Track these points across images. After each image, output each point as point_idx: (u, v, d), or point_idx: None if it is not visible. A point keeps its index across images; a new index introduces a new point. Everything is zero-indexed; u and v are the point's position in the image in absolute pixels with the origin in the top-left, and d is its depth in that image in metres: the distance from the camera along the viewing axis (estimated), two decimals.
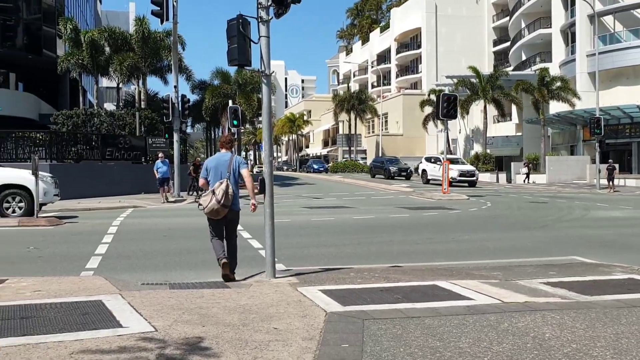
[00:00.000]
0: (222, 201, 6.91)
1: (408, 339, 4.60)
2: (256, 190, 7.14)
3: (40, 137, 24.16)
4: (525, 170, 40.78)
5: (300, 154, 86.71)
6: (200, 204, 7.12)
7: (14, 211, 15.28)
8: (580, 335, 4.73)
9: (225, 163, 7.15)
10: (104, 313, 5.27)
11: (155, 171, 21.61)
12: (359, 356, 4.13)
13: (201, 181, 7.44)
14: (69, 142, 25.12)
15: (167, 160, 22.28)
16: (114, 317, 5.11)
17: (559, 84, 42.30)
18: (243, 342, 4.44)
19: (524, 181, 40.07)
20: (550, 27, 48.31)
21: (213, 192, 6.97)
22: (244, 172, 7.22)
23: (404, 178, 40.68)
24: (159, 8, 22.09)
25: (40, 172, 14.98)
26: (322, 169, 61.35)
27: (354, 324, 4.97)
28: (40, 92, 40.63)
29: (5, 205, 15.27)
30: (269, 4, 7.13)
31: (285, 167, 75.84)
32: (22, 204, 15.34)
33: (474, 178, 34.55)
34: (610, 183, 30.25)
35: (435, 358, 4.13)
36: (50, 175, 16.63)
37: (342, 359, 4.08)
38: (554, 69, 45.26)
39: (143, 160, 27.87)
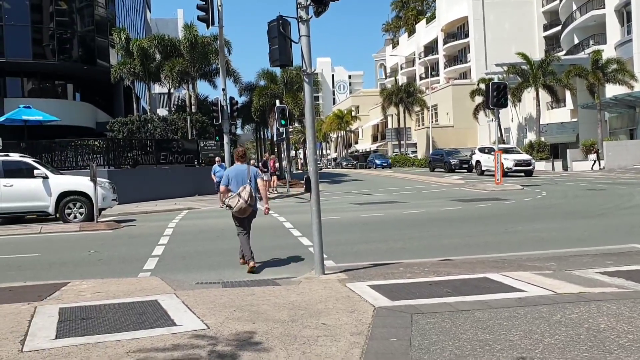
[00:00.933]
0: (248, 201, 8.28)
1: (457, 332, 4.57)
2: (303, 190, 7.44)
3: (98, 144, 25.07)
4: (594, 156, 39.24)
5: (349, 150, 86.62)
6: (229, 206, 8.40)
7: (75, 217, 15.94)
8: (638, 325, 4.60)
9: (244, 172, 8.52)
10: (159, 312, 5.45)
11: (212, 175, 21.19)
12: (407, 350, 4.14)
13: (222, 188, 8.65)
14: (125, 148, 25.96)
15: (224, 164, 22.13)
16: (169, 316, 5.28)
17: (614, 66, 40.71)
18: (292, 338, 4.52)
19: (592, 167, 38.51)
20: (604, 7, 46.50)
21: (239, 195, 8.30)
22: (259, 181, 8.62)
23: (465, 170, 38.71)
24: (204, 13, 22.50)
25: (98, 179, 15.56)
26: (385, 164, 57.64)
27: (403, 319, 4.98)
28: (96, 101, 42.10)
29: (67, 211, 15.95)
30: (308, 3, 7.19)
31: (344, 163, 72.03)
32: (82, 210, 15.99)
33: (531, 167, 33.70)
34: None
35: (485, 351, 4.10)
36: (108, 181, 17.26)
37: (390, 353, 4.10)
38: (609, 51, 43.58)
39: (196, 163, 28.50)
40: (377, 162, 58.76)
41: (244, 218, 8.54)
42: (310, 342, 4.42)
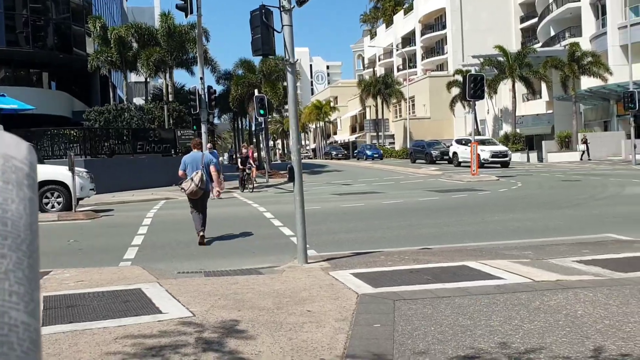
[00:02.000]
0: (199, 185, 9.53)
1: (439, 318, 4.68)
2: (286, 178, 7.63)
3: (75, 133, 24.75)
4: (583, 147, 39.44)
5: (328, 141, 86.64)
6: (183, 188, 9.74)
7: (53, 206, 15.74)
8: (614, 311, 4.75)
9: (198, 159, 9.89)
10: (143, 300, 5.47)
11: None
12: (391, 335, 4.23)
13: (180, 173, 9.94)
14: (101, 138, 25.67)
15: (215, 151, 21.50)
16: (154, 304, 5.31)
17: (589, 58, 41.34)
18: (278, 325, 4.59)
19: (581, 157, 38.72)
20: (579, 0, 47.18)
21: (192, 179, 9.57)
22: (212, 167, 9.98)
23: (446, 162, 38.34)
24: (183, 2, 22.28)
25: (76, 168, 15.39)
26: (376, 155, 54.03)
27: (385, 305, 5.07)
28: (72, 90, 41.44)
29: (45, 200, 15.75)
30: None
31: (334, 153, 67.17)
32: (60, 199, 15.80)
33: (507, 159, 34.09)
34: None
35: (466, 336, 4.21)
36: (85, 170, 17.07)
37: (374, 339, 4.19)
38: (585, 44, 44.23)
39: (173, 152, 28.30)
40: (368, 153, 55.42)
41: (197, 200, 9.76)
42: (296, 328, 4.49)
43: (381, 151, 56.02)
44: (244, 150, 23.59)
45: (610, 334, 4.15)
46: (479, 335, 4.23)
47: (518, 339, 4.11)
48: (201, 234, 9.61)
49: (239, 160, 22.98)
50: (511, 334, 4.24)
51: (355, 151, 62.98)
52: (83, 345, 4.15)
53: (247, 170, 22.30)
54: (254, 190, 22.26)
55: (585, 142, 39.28)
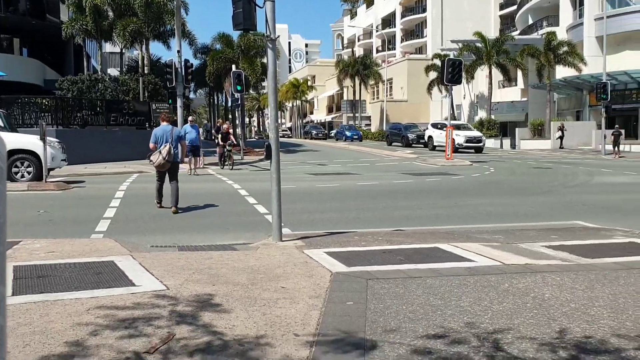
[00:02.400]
0: (166, 157, 10.03)
1: (410, 297, 4.76)
2: (259, 157, 7.68)
3: (46, 102, 24.21)
4: (559, 134, 39.48)
5: (304, 121, 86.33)
6: (151, 160, 10.20)
7: (22, 176, 15.45)
8: (579, 295, 4.88)
9: (167, 132, 10.23)
10: (116, 273, 5.44)
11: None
12: (363, 313, 4.30)
13: (151, 145, 10.30)
14: (74, 108, 25.17)
15: (196, 124, 20.57)
16: (127, 277, 5.28)
17: (565, 48, 41.84)
18: (252, 300, 4.61)
19: (560, 147, 39.10)
20: None
21: (160, 152, 10.03)
22: (182, 142, 10.70)
23: (422, 145, 38.24)
24: None
25: (47, 138, 15.10)
26: (356, 136, 52.73)
27: (358, 283, 5.14)
28: (45, 58, 40.42)
29: (14, 170, 15.44)
30: None
31: (314, 132, 64.71)
32: (30, 169, 15.51)
33: (481, 144, 34.45)
34: (616, 149, 30.17)
35: (437, 315, 4.29)
36: (57, 140, 16.75)
37: (347, 315, 4.25)
38: (561, 33, 44.70)
39: (147, 125, 27.92)
40: (348, 134, 53.99)
41: (163, 172, 10.36)
42: (270, 304, 4.52)
43: (361, 133, 55.03)
44: (224, 126, 22.95)
45: (576, 317, 4.28)
46: (449, 315, 4.31)
47: (487, 320, 4.20)
48: (160, 204, 10.58)
49: (220, 136, 22.24)
50: (480, 314, 4.34)
51: (333, 131, 61.77)
52: (54, 316, 4.12)
53: (227, 147, 21.90)
54: (234, 168, 21.92)
55: (561, 129, 39.62)
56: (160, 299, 4.56)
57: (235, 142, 23.44)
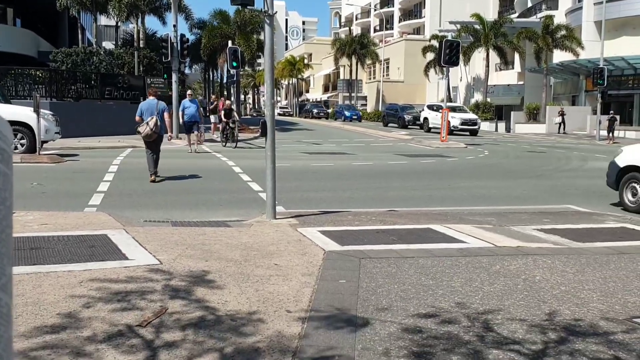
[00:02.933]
0: (153, 129, 10.62)
1: (402, 277, 4.79)
2: (254, 134, 7.74)
3: (40, 74, 23.96)
4: (559, 119, 38.89)
5: (300, 99, 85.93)
6: (139, 132, 10.79)
7: (15, 148, 15.33)
8: (570, 278, 4.93)
9: (153, 106, 10.84)
10: (109, 246, 5.44)
11: (180, 113, 18.89)
12: (356, 291, 4.33)
13: (137, 118, 10.91)
14: (68, 81, 24.93)
15: (196, 99, 19.86)
16: (120, 250, 5.29)
17: (563, 32, 41.64)
18: (245, 276, 4.63)
19: (559, 131, 38.90)
20: None
21: (147, 124, 10.61)
22: (166, 114, 11.26)
23: (418, 127, 37.89)
24: None
25: (41, 110, 14.97)
26: (355, 116, 51.74)
27: (351, 262, 5.16)
28: (39, 29, 39.91)
29: None
30: None
31: (315, 111, 62.38)
32: (23, 141, 15.41)
33: (476, 127, 34.38)
34: (610, 134, 30.22)
35: (428, 295, 4.33)
36: (51, 113, 16.63)
37: (339, 293, 4.27)
38: (560, 17, 44.46)
39: (142, 99, 27.70)
40: (347, 113, 53.04)
41: (151, 142, 10.86)
42: (263, 280, 4.54)
43: (360, 113, 54.34)
44: (227, 102, 22.32)
45: (566, 300, 4.33)
46: (440, 295, 4.35)
47: (477, 300, 4.24)
48: (152, 177, 10.95)
49: (223, 112, 21.23)
50: (471, 295, 4.38)
51: (334, 110, 61.06)
52: (47, 287, 4.13)
53: (230, 124, 20.96)
54: (237, 146, 21.19)
55: (562, 114, 39.11)
56: (154, 273, 4.57)
57: (237, 119, 22.88)
